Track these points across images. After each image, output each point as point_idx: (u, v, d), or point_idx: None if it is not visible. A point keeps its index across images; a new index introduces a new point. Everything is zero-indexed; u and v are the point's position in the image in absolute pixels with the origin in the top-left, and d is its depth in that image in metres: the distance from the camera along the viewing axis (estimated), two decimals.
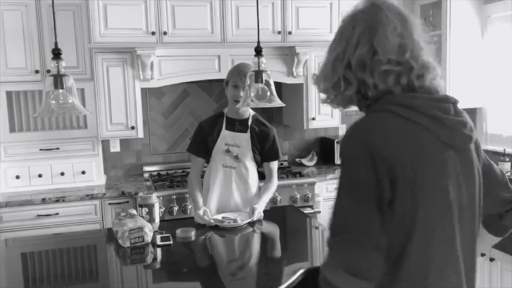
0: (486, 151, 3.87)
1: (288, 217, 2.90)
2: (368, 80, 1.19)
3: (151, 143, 4.07)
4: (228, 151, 2.72)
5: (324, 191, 3.77)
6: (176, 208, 3.39)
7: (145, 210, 2.47)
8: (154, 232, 2.40)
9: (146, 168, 4.01)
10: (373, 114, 1.19)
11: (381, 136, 1.13)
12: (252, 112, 2.80)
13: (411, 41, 1.20)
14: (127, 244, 2.26)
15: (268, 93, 2.03)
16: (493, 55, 3.83)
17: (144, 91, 3.88)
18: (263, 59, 2.01)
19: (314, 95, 3.87)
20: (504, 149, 3.54)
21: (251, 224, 2.54)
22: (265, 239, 2.53)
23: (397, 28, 1.20)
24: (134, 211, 2.48)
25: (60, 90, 1.87)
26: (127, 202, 3.42)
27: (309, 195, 3.65)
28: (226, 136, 2.73)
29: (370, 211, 1.09)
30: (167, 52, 3.52)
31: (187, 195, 3.39)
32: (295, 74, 3.78)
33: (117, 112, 3.50)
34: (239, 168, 2.73)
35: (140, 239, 2.28)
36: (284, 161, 4.27)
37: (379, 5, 1.23)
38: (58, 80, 1.86)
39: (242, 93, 2.53)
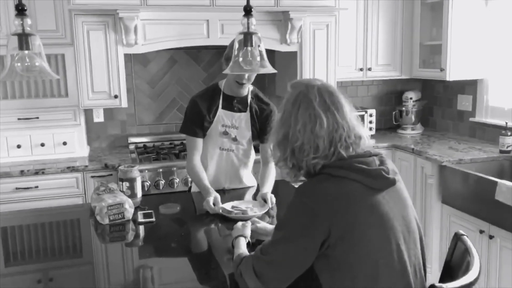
0: (486, 125, 3.74)
1: (280, 191, 2.75)
2: (302, 164, 1.43)
3: (136, 113, 3.88)
4: (225, 133, 2.46)
5: None
6: (162, 182, 3.23)
7: (126, 184, 2.30)
8: (136, 208, 2.24)
9: (132, 140, 3.83)
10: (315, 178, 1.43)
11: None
12: (251, 87, 2.52)
13: (345, 124, 1.41)
14: (106, 221, 2.10)
15: (259, 58, 1.82)
16: (497, 25, 3.64)
17: (128, 57, 3.66)
18: (253, 20, 1.80)
19: (308, 64, 3.67)
20: (506, 123, 3.38)
21: (267, 212, 2.26)
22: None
23: (329, 119, 1.40)
24: (114, 186, 2.31)
25: (26, 52, 1.67)
26: (111, 175, 3.25)
27: None
28: (223, 116, 2.45)
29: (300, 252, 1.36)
30: (152, 15, 3.29)
31: (174, 168, 3.23)
32: (288, 41, 3.56)
33: (99, 80, 3.28)
34: (238, 150, 2.51)
35: (120, 216, 2.12)
36: None
37: (310, 97, 1.49)
38: (24, 40, 1.66)
39: (247, 75, 2.31)
